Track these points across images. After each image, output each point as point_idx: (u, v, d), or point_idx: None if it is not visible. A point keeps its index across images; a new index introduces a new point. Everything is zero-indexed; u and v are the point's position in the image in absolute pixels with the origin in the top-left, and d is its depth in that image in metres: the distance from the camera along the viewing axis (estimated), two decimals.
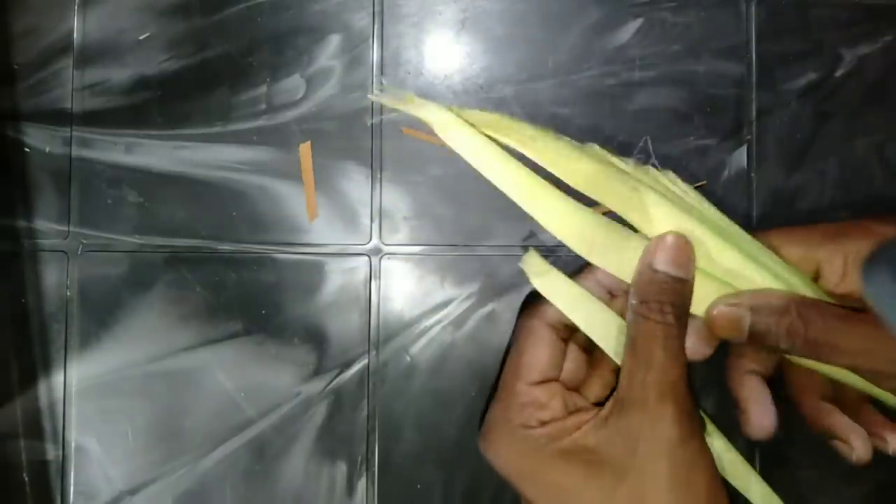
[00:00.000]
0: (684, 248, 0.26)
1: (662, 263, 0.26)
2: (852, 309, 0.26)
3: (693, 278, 0.26)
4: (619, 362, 0.27)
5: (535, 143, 0.27)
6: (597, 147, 0.28)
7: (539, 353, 0.28)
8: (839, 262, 0.27)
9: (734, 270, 0.27)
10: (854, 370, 0.26)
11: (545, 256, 0.33)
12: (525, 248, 0.32)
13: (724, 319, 0.26)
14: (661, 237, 0.26)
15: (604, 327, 0.28)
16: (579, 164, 0.26)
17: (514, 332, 0.32)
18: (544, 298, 0.29)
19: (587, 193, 0.27)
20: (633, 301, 0.26)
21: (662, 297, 0.25)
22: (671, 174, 0.28)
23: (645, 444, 0.25)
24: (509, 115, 0.33)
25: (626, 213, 0.27)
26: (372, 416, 0.32)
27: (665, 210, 0.26)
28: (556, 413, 0.27)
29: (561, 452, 0.26)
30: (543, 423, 0.27)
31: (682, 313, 0.26)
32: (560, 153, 0.27)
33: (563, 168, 0.27)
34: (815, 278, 0.28)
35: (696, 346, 0.27)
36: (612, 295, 0.29)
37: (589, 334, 0.28)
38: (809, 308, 0.25)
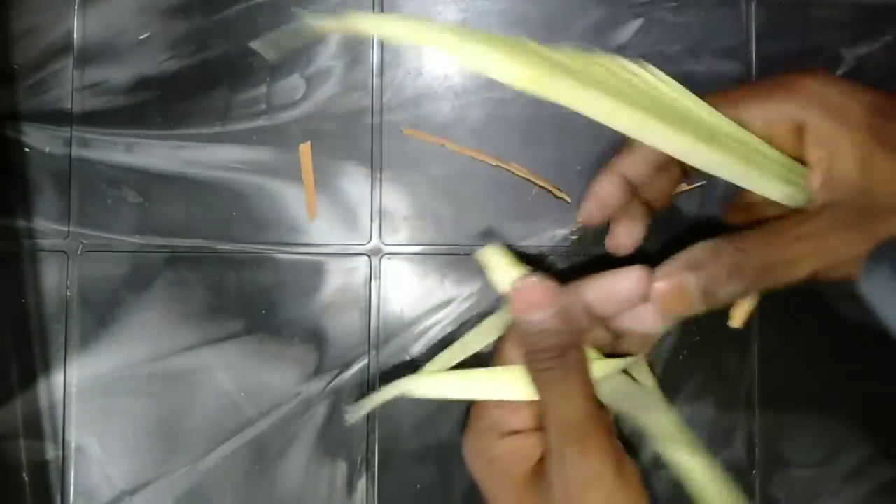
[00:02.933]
0: (533, 290, 0.26)
1: (519, 314, 0.26)
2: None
3: (559, 312, 0.26)
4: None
5: (465, 48, 0.24)
6: (528, 41, 0.25)
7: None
8: (759, 126, 0.25)
9: (687, 157, 0.25)
10: (815, 275, 0.24)
11: (544, 256, 0.33)
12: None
13: (672, 292, 0.24)
14: (513, 287, 0.26)
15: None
16: (518, 67, 0.24)
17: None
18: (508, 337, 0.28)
19: (532, 92, 0.24)
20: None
21: (532, 344, 0.26)
22: (619, 58, 0.26)
23: (574, 486, 0.25)
24: (509, 114, 0.33)
25: (577, 109, 0.25)
26: (372, 417, 0.32)
27: (609, 104, 0.24)
28: (525, 423, 0.27)
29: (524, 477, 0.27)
30: (512, 433, 0.27)
31: (560, 353, 0.25)
32: (495, 55, 0.24)
33: (500, 71, 0.24)
34: None
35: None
36: None
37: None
38: (739, 238, 0.24)
